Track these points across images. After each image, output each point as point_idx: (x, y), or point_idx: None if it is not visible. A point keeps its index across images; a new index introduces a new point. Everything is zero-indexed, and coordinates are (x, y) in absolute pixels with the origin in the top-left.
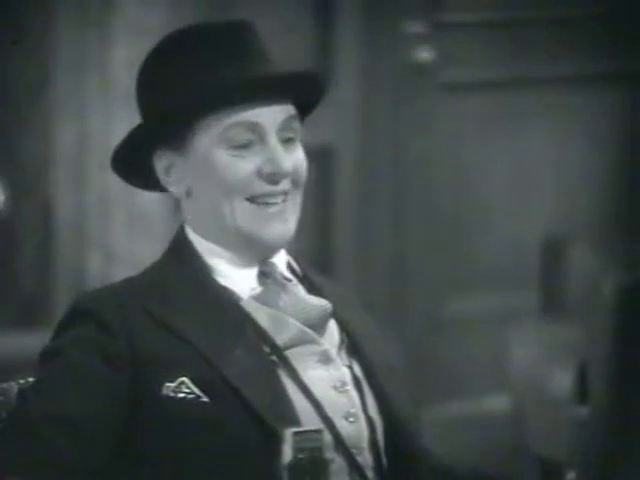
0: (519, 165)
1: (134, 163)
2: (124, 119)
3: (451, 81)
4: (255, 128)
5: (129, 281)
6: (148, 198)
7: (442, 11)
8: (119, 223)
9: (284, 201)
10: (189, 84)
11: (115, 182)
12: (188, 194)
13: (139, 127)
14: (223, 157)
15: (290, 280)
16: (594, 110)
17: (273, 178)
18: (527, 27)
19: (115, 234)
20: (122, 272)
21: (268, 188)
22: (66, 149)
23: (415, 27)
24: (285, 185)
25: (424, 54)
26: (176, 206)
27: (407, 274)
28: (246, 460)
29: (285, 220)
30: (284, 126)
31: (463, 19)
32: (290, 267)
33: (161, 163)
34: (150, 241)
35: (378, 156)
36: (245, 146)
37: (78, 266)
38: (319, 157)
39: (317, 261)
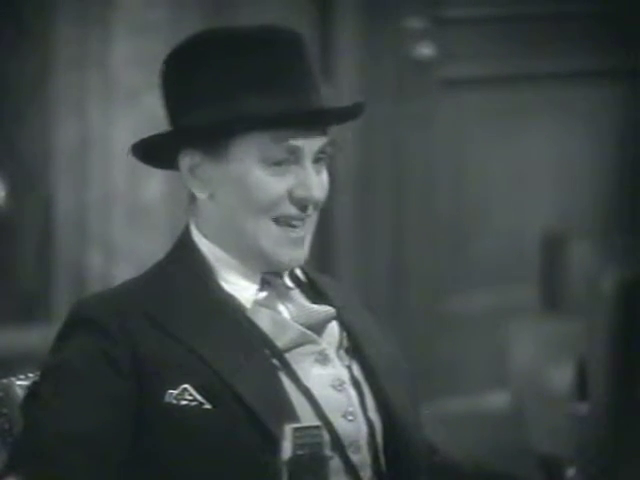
0: (519, 161)
1: (156, 153)
2: (125, 115)
3: (451, 77)
4: (294, 150)
5: (129, 284)
6: (150, 194)
7: (442, 7)
8: (120, 219)
9: (304, 224)
10: (234, 99)
11: (116, 178)
12: (210, 198)
13: (172, 132)
14: (259, 176)
15: (292, 288)
16: (594, 106)
17: (303, 203)
18: (527, 23)
19: (116, 230)
20: (123, 269)
21: (295, 212)
22: (67, 145)
23: (415, 23)
24: (310, 212)
25: (424, 50)
26: (190, 200)
27: (407, 271)
28: (249, 466)
29: (304, 245)
30: (320, 150)
31: (463, 15)
32: (294, 274)
33: (187, 161)
34: (151, 237)
35: (378, 152)
36: (280, 164)
37: (78, 262)
38: None
39: (317, 261)
